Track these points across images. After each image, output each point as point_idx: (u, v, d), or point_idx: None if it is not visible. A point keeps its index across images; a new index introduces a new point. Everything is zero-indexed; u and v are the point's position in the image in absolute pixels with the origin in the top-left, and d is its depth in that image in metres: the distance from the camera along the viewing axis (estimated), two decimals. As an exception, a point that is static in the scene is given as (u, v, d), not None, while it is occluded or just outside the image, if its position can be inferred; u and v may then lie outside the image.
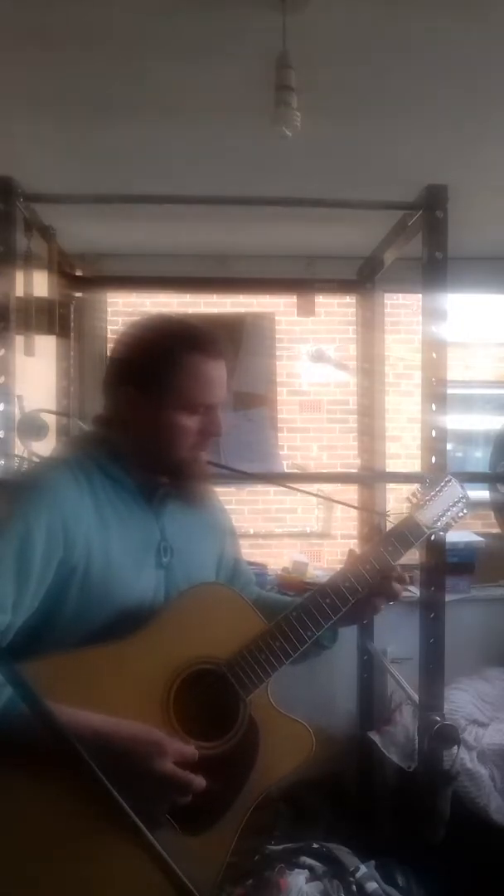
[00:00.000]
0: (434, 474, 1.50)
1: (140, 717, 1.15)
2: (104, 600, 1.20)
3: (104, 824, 1.07)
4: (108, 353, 1.35)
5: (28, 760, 1.05)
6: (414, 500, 1.46)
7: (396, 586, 1.37)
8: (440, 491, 1.47)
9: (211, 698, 1.22)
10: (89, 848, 1.10)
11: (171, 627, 1.22)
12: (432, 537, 1.47)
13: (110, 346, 1.37)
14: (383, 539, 1.40)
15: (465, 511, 1.48)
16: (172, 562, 1.30)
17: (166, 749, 1.12)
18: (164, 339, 1.28)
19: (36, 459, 2.07)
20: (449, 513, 1.46)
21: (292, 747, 1.27)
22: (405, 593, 1.41)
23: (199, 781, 1.14)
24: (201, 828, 1.19)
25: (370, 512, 1.58)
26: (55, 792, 1.07)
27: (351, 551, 1.40)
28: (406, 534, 1.40)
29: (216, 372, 1.29)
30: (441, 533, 1.48)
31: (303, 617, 1.28)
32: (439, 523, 1.45)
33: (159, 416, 1.26)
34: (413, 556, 2.16)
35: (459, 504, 1.47)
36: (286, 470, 2.96)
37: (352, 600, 1.32)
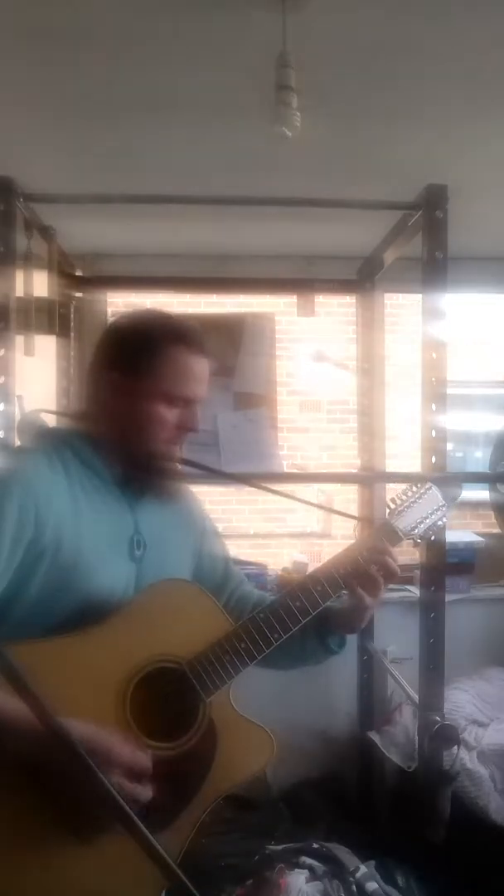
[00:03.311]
0: (417, 481, 1.50)
1: (95, 714, 1.12)
2: (71, 588, 1.19)
3: (87, 815, 1.06)
4: (96, 341, 1.37)
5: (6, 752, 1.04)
6: (392, 506, 1.45)
7: (373, 590, 1.34)
8: (420, 497, 1.46)
9: (170, 697, 1.20)
10: (66, 840, 1.09)
11: (133, 622, 1.20)
12: (411, 542, 1.46)
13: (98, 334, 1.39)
14: (359, 543, 1.39)
15: (444, 520, 1.48)
16: (145, 555, 1.30)
17: (114, 760, 1.08)
18: (154, 329, 1.30)
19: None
20: (428, 520, 1.45)
21: (251, 752, 1.24)
22: (383, 597, 1.37)
23: (147, 794, 1.11)
24: (153, 831, 1.17)
25: (354, 518, 1.57)
26: (33, 785, 1.06)
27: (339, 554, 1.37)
28: (382, 539, 1.39)
29: (199, 368, 1.30)
30: (418, 540, 1.47)
31: (270, 619, 1.26)
32: (416, 530, 1.44)
33: (139, 405, 1.27)
34: (413, 556, 2.17)
35: (439, 512, 1.46)
36: (286, 470, 2.96)
37: (322, 604, 1.30)
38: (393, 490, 1.52)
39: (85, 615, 1.19)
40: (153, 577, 1.28)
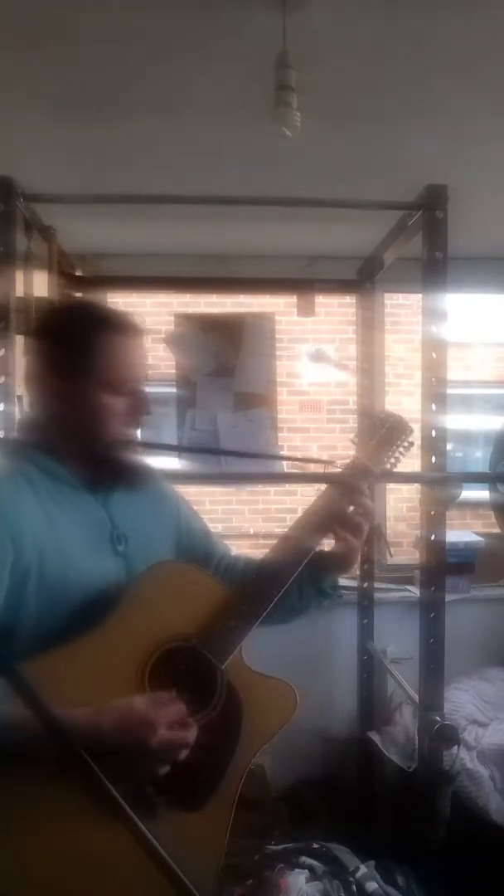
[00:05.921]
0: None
1: None
2: (65, 597, 1.19)
3: (98, 817, 1.08)
4: (29, 348, 1.35)
5: (19, 761, 1.05)
6: (357, 442, 1.45)
7: (355, 531, 1.37)
8: (385, 428, 1.44)
9: (186, 674, 1.22)
10: (85, 844, 1.10)
11: (134, 612, 1.21)
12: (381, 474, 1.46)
13: (28, 339, 1.37)
14: (333, 485, 1.40)
15: (410, 442, 1.46)
16: (128, 548, 1.30)
17: (154, 720, 1.11)
18: (78, 323, 1.29)
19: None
20: (398, 449, 1.44)
21: (276, 705, 1.27)
22: (365, 536, 1.40)
23: (192, 733, 1.14)
24: (199, 801, 1.20)
25: (318, 462, 1.55)
26: (49, 790, 1.07)
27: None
28: (354, 476, 1.40)
29: (134, 350, 1.29)
30: (388, 467, 1.45)
31: (265, 576, 1.29)
32: (386, 460, 1.44)
33: (85, 401, 1.25)
34: (413, 556, 2.17)
35: (403, 437, 1.45)
36: (286, 470, 2.96)
37: (312, 549, 1.33)
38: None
39: (83, 619, 1.19)
40: (140, 566, 1.28)
